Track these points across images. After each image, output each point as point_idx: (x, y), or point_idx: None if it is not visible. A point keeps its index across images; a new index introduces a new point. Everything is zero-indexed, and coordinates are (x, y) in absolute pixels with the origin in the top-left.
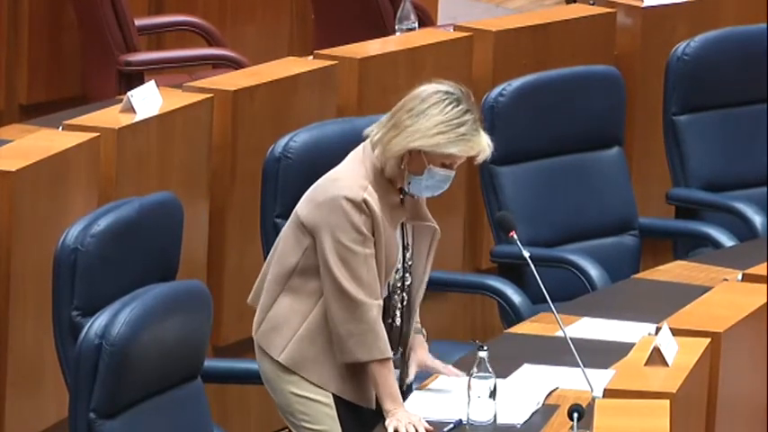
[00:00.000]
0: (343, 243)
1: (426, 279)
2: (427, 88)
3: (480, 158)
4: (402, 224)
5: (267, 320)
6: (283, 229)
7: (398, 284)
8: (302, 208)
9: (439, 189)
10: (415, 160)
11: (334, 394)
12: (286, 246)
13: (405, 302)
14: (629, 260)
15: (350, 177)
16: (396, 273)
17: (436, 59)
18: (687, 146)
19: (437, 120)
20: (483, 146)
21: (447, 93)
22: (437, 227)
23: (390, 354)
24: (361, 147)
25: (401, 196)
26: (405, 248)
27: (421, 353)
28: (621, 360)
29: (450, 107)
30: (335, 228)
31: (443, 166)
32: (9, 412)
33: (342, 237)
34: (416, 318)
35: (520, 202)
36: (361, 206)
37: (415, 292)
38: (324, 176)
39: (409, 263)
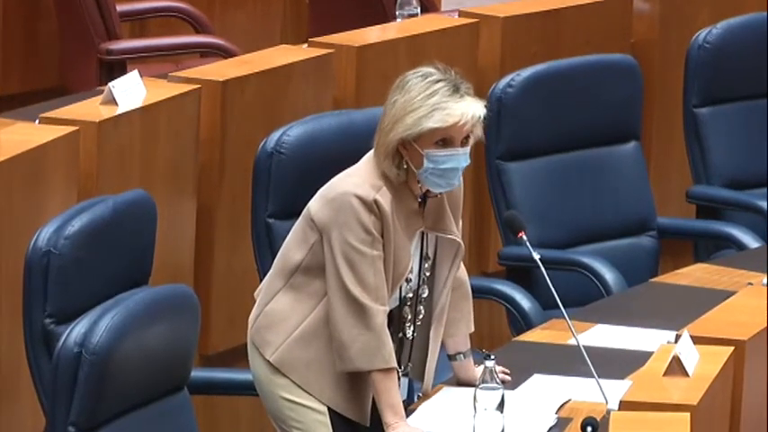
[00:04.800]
0: (350, 243)
1: (448, 290)
2: (396, 82)
3: (469, 126)
4: (423, 233)
5: (263, 316)
6: (295, 223)
7: (411, 295)
8: (314, 202)
9: (452, 176)
10: (411, 153)
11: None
12: (293, 240)
13: (421, 315)
14: (646, 263)
15: (365, 175)
16: (408, 282)
17: (440, 48)
18: (709, 140)
19: (404, 101)
20: (464, 110)
21: (413, 74)
22: (461, 242)
23: (395, 364)
24: None
25: (419, 200)
26: (423, 259)
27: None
28: (638, 370)
29: (415, 83)
30: (343, 226)
31: (439, 146)
32: None
33: (349, 236)
34: (465, 341)
35: (529, 201)
36: (372, 206)
37: (436, 306)
38: (342, 172)
39: (427, 274)
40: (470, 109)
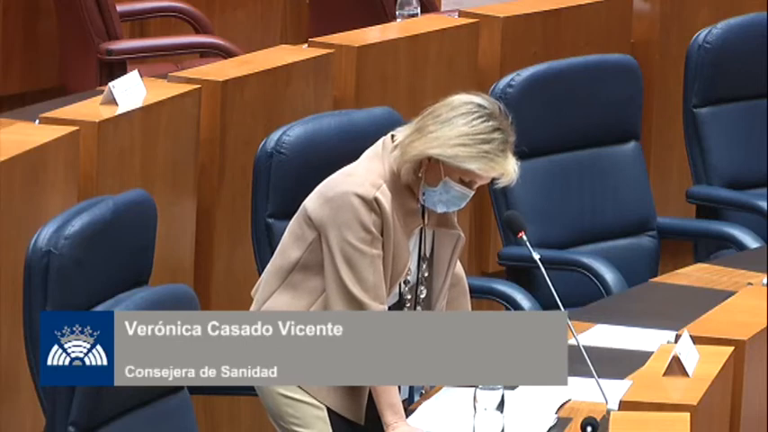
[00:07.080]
0: (349, 242)
1: (446, 290)
2: (460, 97)
3: (503, 182)
4: (421, 231)
5: None
6: (291, 221)
7: (409, 296)
8: (311, 201)
9: (454, 206)
10: (433, 170)
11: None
12: (290, 238)
13: None
14: (646, 263)
15: (364, 174)
16: (406, 284)
17: (440, 48)
18: (709, 140)
19: (461, 131)
20: (507, 169)
21: (479, 106)
22: (461, 234)
23: None
24: (380, 142)
25: (419, 203)
26: (421, 259)
27: None
28: (638, 370)
29: (478, 121)
30: (343, 225)
31: (461, 182)
32: None
33: (349, 235)
34: None
35: (530, 201)
36: (372, 204)
37: (435, 305)
38: (339, 171)
39: (425, 274)
40: (511, 169)
